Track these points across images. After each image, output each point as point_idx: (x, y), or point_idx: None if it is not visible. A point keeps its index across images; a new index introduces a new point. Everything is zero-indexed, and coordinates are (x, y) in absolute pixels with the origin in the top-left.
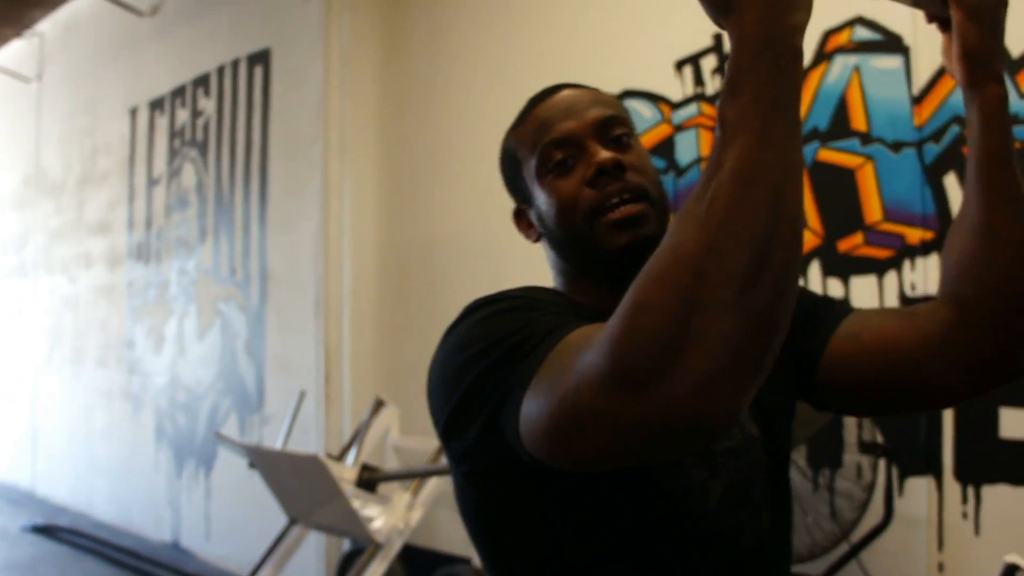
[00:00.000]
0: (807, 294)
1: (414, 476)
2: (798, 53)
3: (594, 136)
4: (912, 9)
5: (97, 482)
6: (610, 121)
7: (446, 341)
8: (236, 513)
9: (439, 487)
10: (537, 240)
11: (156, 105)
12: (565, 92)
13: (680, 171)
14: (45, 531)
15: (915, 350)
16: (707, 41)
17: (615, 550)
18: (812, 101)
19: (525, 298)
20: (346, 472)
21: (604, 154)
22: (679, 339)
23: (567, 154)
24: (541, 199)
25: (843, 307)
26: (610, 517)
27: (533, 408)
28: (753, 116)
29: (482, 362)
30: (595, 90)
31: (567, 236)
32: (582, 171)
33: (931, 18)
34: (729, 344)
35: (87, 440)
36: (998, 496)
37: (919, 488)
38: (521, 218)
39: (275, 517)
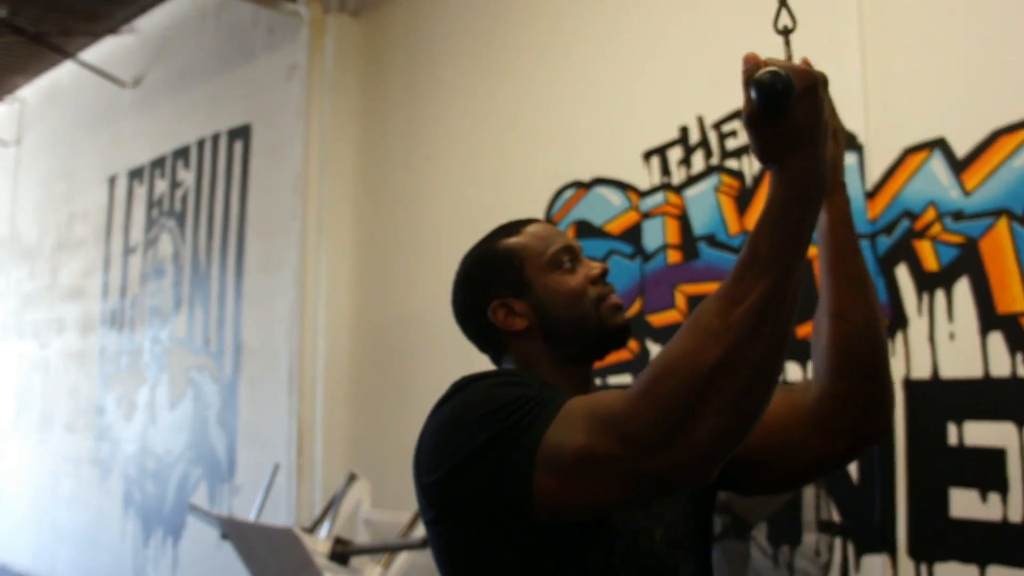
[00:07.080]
0: None
1: (386, 550)
2: (821, 202)
3: (580, 251)
4: (864, 111)
5: (60, 550)
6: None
7: (441, 410)
8: None
9: (410, 560)
10: (522, 329)
11: (135, 175)
12: (541, 223)
13: (647, 256)
14: None
15: (792, 421)
16: (673, 134)
17: None
18: None
19: (510, 375)
20: (319, 545)
21: (600, 264)
22: (687, 422)
23: (570, 259)
24: (550, 288)
25: None
26: (581, 557)
27: (548, 462)
28: (785, 253)
29: (491, 425)
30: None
31: (575, 316)
32: (583, 272)
33: None
34: (721, 432)
35: (51, 506)
36: (950, 573)
37: (875, 565)
38: (503, 310)
39: None
